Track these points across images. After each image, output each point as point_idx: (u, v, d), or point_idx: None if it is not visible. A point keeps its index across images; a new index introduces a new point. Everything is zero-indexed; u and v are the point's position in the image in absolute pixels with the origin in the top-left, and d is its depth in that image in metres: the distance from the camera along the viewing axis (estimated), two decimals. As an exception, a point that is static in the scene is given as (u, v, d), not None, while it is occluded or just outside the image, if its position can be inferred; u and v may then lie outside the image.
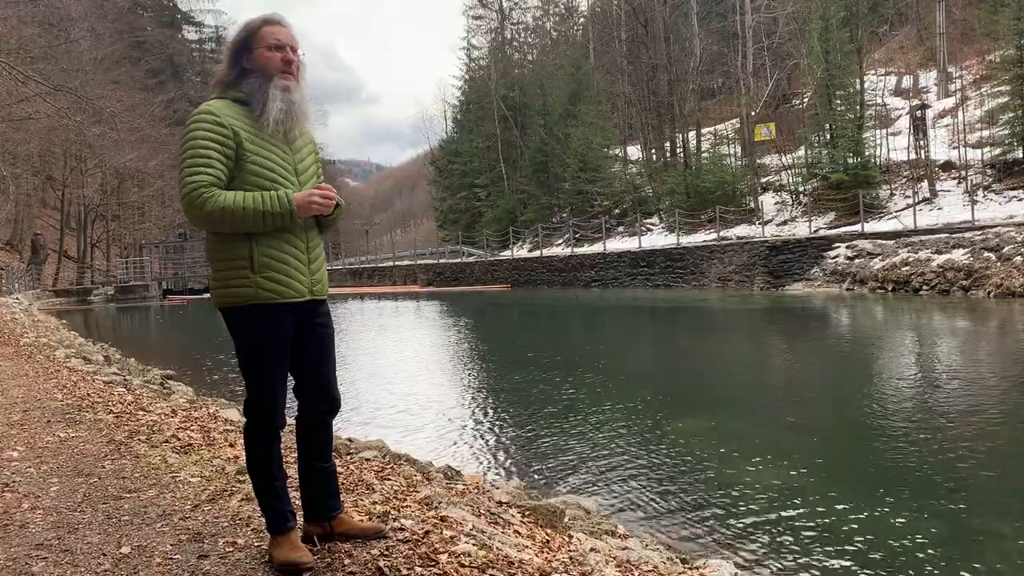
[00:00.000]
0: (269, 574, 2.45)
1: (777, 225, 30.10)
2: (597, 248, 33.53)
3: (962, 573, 3.83)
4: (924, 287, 18.62)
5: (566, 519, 3.92)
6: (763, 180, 33.54)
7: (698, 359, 11.84)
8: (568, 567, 2.88)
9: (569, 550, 3.21)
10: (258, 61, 2.50)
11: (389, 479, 3.92)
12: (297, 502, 2.76)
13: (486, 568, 2.55)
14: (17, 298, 26.90)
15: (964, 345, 11.45)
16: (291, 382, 2.64)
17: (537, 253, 37.34)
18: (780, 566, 3.99)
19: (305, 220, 2.53)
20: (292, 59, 2.52)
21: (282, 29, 2.54)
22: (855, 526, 4.44)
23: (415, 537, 2.74)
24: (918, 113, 28.71)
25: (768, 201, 32.07)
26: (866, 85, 30.97)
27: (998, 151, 25.39)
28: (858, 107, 29.88)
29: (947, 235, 20.01)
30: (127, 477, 3.69)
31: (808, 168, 31.29)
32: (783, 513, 4.71)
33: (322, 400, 2.64)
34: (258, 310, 2.44)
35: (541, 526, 3.61)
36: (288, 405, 2.59)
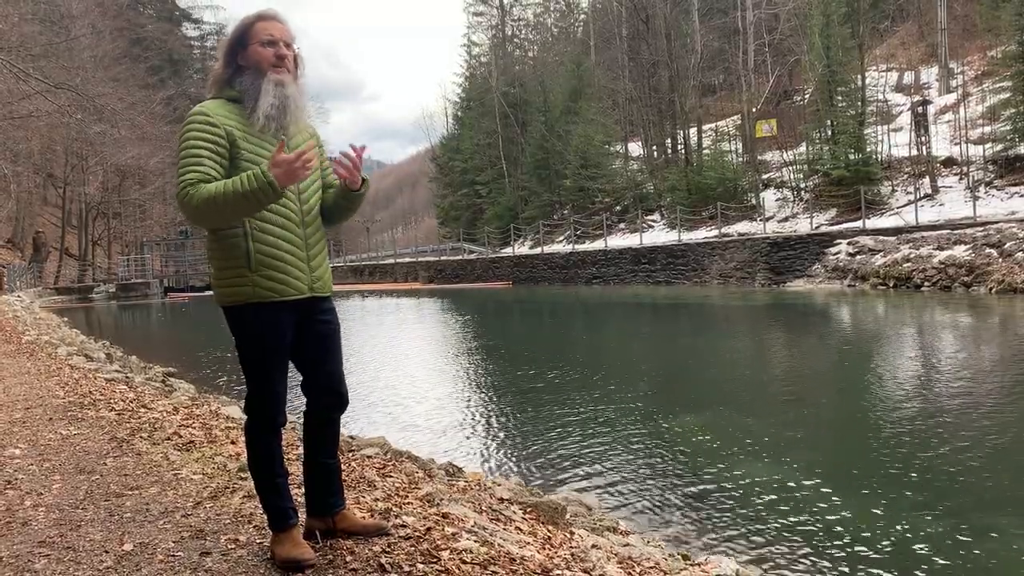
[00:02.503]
0: (271, 571, 2.45)
1: (778, 221, 30.07)
2: (598, 245, 33.52)
3: (964, 570, 3.83)
4: (926, 283, 18.60)
5: (568, 516, 3.92)
6: (764, 176, 33.51)
7: (700, 356, 11.84)
8: (570, 563, 2.88)
9: (571, 546, 3.21)
10: (252, 57, 2.48)
11: (391, 476, 3.92)
12: (300, 498, 2.76)
13: (488, 564, 2.55)
14: (19, 296, 26.93)
15: (966, 342, 11.44)
16: (300, 379, 2.64)
17: (538, 250, 37.31)
18: (782, 562, 4.00)
19: (304, 218, 2.50)
20: (285, 54, 2.49)
21: (276, 24, 2.51)
22: (857, 522, 4.44)
23: (417, 534, 2.75)
24: (919, 109, 28.65)
25: (769, 197, 32.05)
26: (867, 81, 30.90)
27: (1000, 147, 25.34)
28: (859, 103, 29.83)
29: (949, 231, 19.97)
30: (129, 474, 3.69)
31: (809, 164, 31.26)
32: (785, 509, 4.72)
33: (328, 396, 2.63)
34: (256, 308, 2.43)
35: (543, 523, 3.61)
36: (298, 402, 2.59)
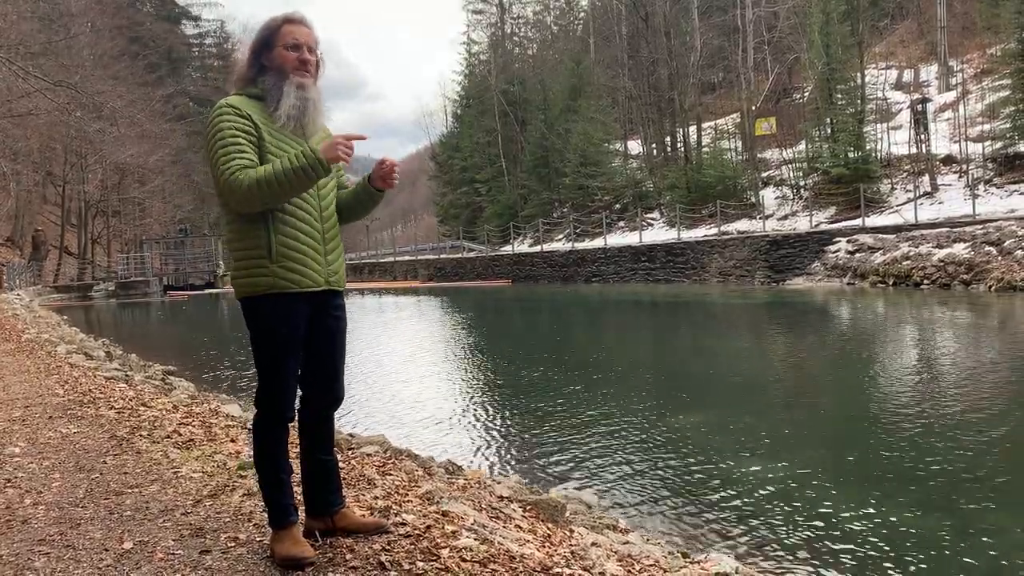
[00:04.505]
0: (271, 569, 2.45)
1: (778, 220, 30.08)
2: (598, 243, 33.52)
3: (964, 567, 3.83)
4: (925, 281, 18.61)
5: (567, 513, 3.93)
6: (764, 175, 33.51)
7: (699, 354, 11.85)
8: (569, 561, 2.88)
9: (570, 544, 3.21)
10: (276, 59, 2.55)
11: (390, 474, 3.92)
12: (299, 497, 2.76)
13: (488, 562, 2.55)
14: (18, 294, 26.92)
15: (965, 339, 11.45)
16: (299, 373, 2.65)
17: (538, 248, 37.32)
18: (781, 560, 4.00)
19: (322, 212, 2.56)
20: (308, 59, 2.55)
21: (302, 28, 2.58)
22: (856, 519, 4.44)
23: (417, 532, 2.75)
24: (919, 107, 28.65)
25: (769, 195, 32.05)
26: (867, 79, 30.92)
27: (999, 145, 25.35)
28: (859, 101, 29.83)
29: (948, 229, 19.98)
30: (129, 473, 3.69)
31: (809, 162, 31.27)
32: (785, 507, 4.72)
33: (326, 392, 2.66)
34: (274, 300, 2.48)
35: (542, 520, 3.61)
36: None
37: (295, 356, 2.54)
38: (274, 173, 2.37)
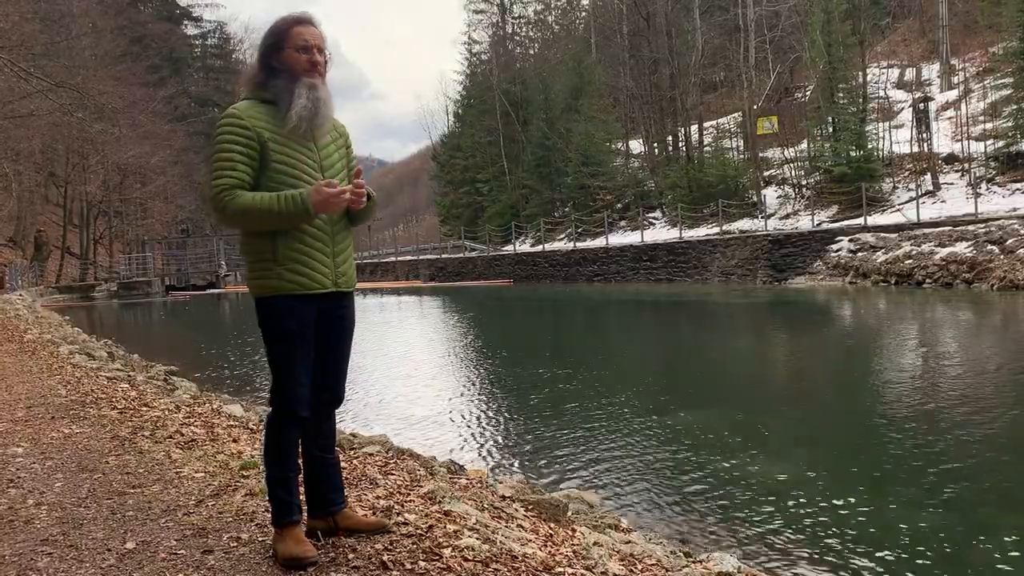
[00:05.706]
0: (273, 569, 2.45)
1: (780, 219, 30.06)
2: (599, 242, 33.50)
3: (966, 566, 3.83)
4: (927, 280, 18.59)
5: (569, 513, 3.93)
6: (765, 174, 33.48)
7: (702, 353, 11.84)
8: (571, 561, 2.88)
9: (572, 544, 3.21)
10: (286, 62, 2.55)
11: (392, 474, 3.92)
12: (302, 497, 2.76)
13: (490, 562, 2.55)
14: (20, 295, 26.93)
15: (967, 338, 11.44)
16: None
17: (539, 248, 37.31)
18: (783, 559, 4.00)
19: (330, 215, 2.56)
20: (318, 61, 2.56)
21: (311, 29, 2.57)
22: (859, 518, 4.44)
23: (419, 532, 2.75)
24: (921, 106, 28.62)
25: (770, 195, 32.02)
26: (868, 78, 30.92)
27: (1001, 143, 25.33)
28: (860, 100, 29.81)
29: (950, 228, 19.95)
30: (131, 473, 3.69)
31: (810, 161, 31.24)
32: (787, 506, 4.72)
33: (327, 392, 2.67)
34: (281, 300, 2.50)
35: (544, 520, 3.62)
36: None
37: (304, 355, 2.55)
38: (259, 207, 2.40)
